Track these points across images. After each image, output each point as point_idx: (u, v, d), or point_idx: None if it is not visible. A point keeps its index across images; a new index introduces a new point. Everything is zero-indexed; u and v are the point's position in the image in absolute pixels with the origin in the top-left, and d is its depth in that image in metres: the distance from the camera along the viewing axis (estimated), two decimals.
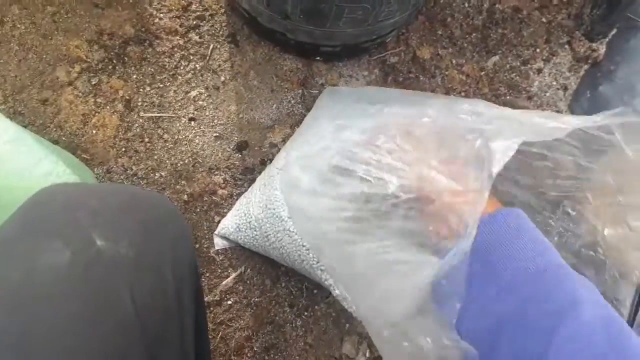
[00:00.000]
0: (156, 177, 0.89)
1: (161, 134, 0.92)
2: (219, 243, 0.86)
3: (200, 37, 0.99)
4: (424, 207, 0.45)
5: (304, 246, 0.71)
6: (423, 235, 0.45)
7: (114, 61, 0.94)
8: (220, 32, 1.00)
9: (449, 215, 0.46)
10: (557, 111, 1.02)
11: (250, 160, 0.92)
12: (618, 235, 0.54)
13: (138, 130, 0.91)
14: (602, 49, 1.06)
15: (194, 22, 0.99)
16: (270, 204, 0.76)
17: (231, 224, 0.84)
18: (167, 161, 0.90)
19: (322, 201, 0.50)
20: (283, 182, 0.61)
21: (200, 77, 0.97)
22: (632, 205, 0.52)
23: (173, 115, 0.93)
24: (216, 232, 0.86)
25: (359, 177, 0.48)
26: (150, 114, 0.93)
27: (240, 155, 0.92)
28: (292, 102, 0.97)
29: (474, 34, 1.06)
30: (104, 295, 0.41)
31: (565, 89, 1.04)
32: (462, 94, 1.01)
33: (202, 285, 0.56)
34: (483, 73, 1.03)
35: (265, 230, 0.80)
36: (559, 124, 0.42)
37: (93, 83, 0.92)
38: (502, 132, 0.40)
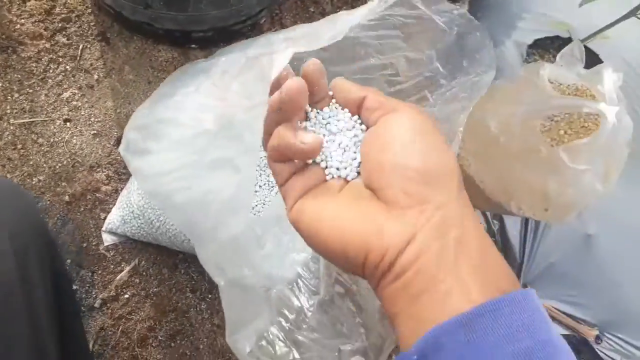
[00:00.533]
0: (34, 182, 0.86)
1: (35, 138, 0.89)
2: (107, 239, 0.84)
3: (68, 39, 0.97)
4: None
5: None
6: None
7: None
8: (89, 32, 0.98)
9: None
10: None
11: None
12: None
13: (9, 137, 0.88)
14: (465, 7, 1.12)
15: (60, 25, 0.97)
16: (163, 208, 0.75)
17: (116, 218, 0.82)
18: (45, 165, 0.88)
19: (156, 158, 0.50)
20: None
21: (72, 78, 0.94)
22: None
23: (46, 118, 0.91)
24: (103, 228, 0.84)
25: (182, 123, 0.49)
26: (22, 120, 0.90)
27: None
28: None
29: (344, 7, 1.09)
30: None
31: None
32: None
33: (63, 264, 0.54)
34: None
35: (148, 217, 0.79)
36: (350, 17, 0.43)
37: None
38: (297, 42, 0.42)
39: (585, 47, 0.86)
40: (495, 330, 0.28)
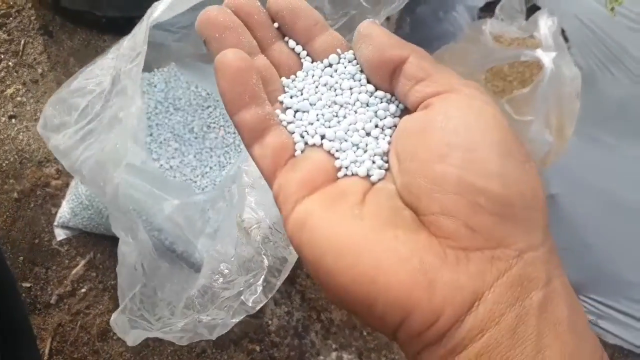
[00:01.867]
0: None
1: None
2: (60, 233, 0.82)
3: (8, 35, 0.94)
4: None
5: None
6: None
7: None
8: (31, 26, 0.96)
9: None
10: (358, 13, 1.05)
11: None
12: None
13: None
14: None
15: None
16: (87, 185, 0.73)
17: (67, 211, 0.80)
18: None
19: (70, 131, 0.49)
20: None
21: (15, 74, 0.92)
22: None
23: None
24: (55, 223, 0.82)
25: (89, 90, 0.48)
26: None
27: None
28: None
29: None
30: None
31: (388, 19, 1.07)
32: None
33: None
34: None
35: (97, 206, 0.77)
36: None
37: None
38: None
39: (535, 5, 0.85)
40: None
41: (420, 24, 1.02)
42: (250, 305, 0.44)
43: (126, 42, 0.44)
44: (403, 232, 0.21)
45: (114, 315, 0.48)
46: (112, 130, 0.44)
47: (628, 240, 0.94)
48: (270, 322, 0.86)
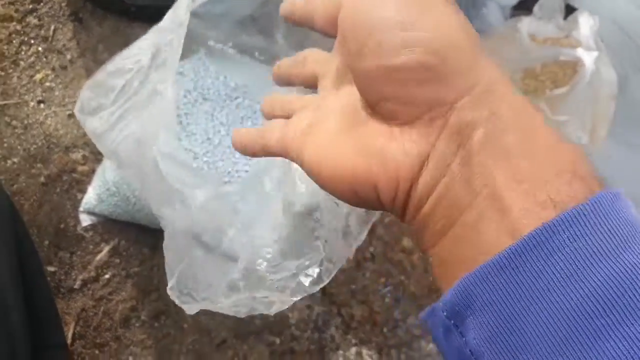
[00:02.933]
0: (8, 165, 0.84)
1: (9, 121, 0.87)
2: (85, 219, 0.82)
3: (39, 20, 0.95)
4: None
5: None
6: None
7: None
8: (61, 12, 0.96)
9: None
10: None
11: None
12: None
13: None
14: None
15: (30, 6, 0.95)
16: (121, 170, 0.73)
17: (92, 197, 0.80)
18: (19, 147, 0.86)
19: (106, 113, 0.49)
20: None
21: (45, 59, 0.92)
22: None
23: (19, 100, 0.89)
24: (80, 208, 0.82)
25: (127, 69, 0.48)
26: None
27: None
28: None
29: None
30: None
31: None
32: None
33: (26, 231, 0.53)
34: None
35: (124, 193, 0.77)
36: None
37: None
38: None
39: (566, 3, 0.84)
40: (544, 272, 0.19)
41: None
42: (307, 286, 0.43)
43: (167, 15, 0.44)
44: (361, 128, 0.26)
45: (170, 284, 0.48)
46: (150, 105, 0.44)
47: None
48: (290, 315, 0.86)
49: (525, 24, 0.71)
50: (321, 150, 0.28)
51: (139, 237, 0.84)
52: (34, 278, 0.55)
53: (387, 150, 0.24)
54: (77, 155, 0.86)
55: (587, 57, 0.62)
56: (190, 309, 0.47)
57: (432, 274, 0.26)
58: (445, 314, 0.22)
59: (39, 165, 0.85)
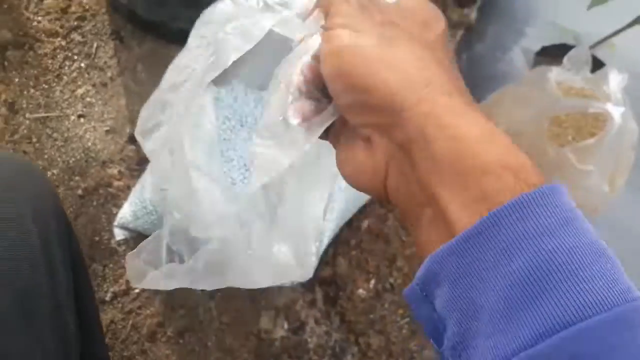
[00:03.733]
0: (48, 176, 0.87)
1: (50, 133, 0.90)
2: (119, 233, 0.85)
3: (83, 37, 0.98)
4: None
5: None
6: None
7: None
8: (104, 31, 1.00)
9: None
10: None
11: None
12: None
13: (25, 131, 0.89)
14: (474, 14, 1.14)
15: (75, 23, 0.99)
16: (162, 185, 0.76)
17: (128, 212, 0.83)
18: (59, 159, 0.89)
19: (164, 129, 0.51)
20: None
21: (87, 75, 0.96)
22: None
23: (61, 114, 0.92)
24: (115, 223, 0.85)
25: (179, 82, 0.50)
26: (37, 115, 0.91)
27: (134, 147, 0.92)
28: None
29: None
30: None
31: None
32: None
33: (78, 246, 0.55)
34: None
35: (161, 213, 0.80)
36: None
37: None
38: None
39: (592, 55, 0.87)
40: (484, 255, 0.24)
41: (477, 62, 1.05)
42: None
43: (217, 7, 0.46)
44: (354, 148, 0.33)
45: None
46: (195, 128, 0.46)
47: None
48: (309, 339, 0.88)
49: (555, 73, 0.75)
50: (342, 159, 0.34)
51: None
52: (84, 294, 0.57)
53: (366, 163, 0.31)
54: (113, 171, 0.89)
55: (616, 112, 0.65)
56: None
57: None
58: (418, 287, 0.27)
59: (77, 178, 0.88)
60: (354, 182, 0.33)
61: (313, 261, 0.77)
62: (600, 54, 0.95)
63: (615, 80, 0.69)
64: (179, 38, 1.00)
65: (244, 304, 0.87)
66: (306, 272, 0.76)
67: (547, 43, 1.03)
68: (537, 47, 1.04)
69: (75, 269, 0.52)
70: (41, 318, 0.44)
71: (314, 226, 0.79)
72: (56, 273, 0.47)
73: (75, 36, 0.98)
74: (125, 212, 0.84)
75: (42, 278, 0.45)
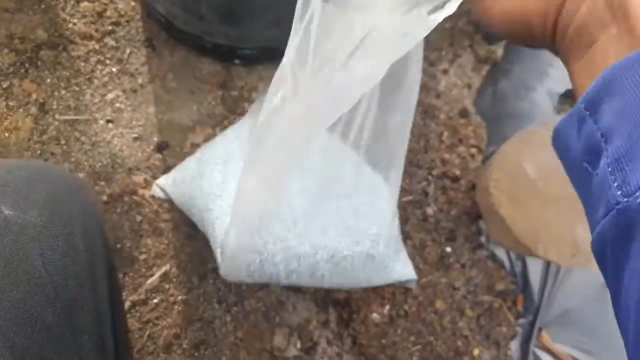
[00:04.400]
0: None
1: (78, 136, 0.90)
2: (157, 191, 0.86)
3: (116, 42, 0.99)
4: None
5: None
6: None
7: (26, 65, 0.92)
8: (137, 37, 1.00)
9: None
10: (463, 107, 1.10)
11: (172, 160, 0.92)
12: None
13: (54, 133, 0.89)
14: (500, 51, 1.16)
15: (110, 28, 0.99)
16: (213, 163, 0.77)
17: (170, 177, 0.84)
18: (85, 163, 0.89)
19: None
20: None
21: (118, 80, 0.96)
22: None
23: (90, 117, 0.92)
24: (157, 181, 0.86)
25: None
26: (66, 117, 0.91)
27: (160, 156, 0.92)
28: (213, 103, 0.99)
29: None
30: (14, 261, 0.41)
31: (469, 87, 1.12)
32: None
33: (115, 262, 0.56)
34: None
35: (196, 188, 0.79)
36: None
37: (4, 86, 0.89)
38: None
39: None
40: None
41: (502, 98, 1.06)
42: None
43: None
44: None
45: None
46: None
47: None
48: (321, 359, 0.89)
49: None
50: None
51: (189, 265, 0.87)
52: (118, 310, 0.57)
53: None
54: (139, 178, 0.90)
55: None
56: None
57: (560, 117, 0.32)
58: (583, 105, 0.26)
59: (102, 183, 0.88)
60: (514, 21, 0.33)
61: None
62: None
63: None
64: (213, 52, 1.02)
65: (259, 320, 0.88)
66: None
67: (571, 87, 1.06)
68: (561, 90, 1.06)
69: (111, 284, 0.53)
70: (84, 332, 0.45)
71: None
72: (99, 290, 0.48)
73: (109, 41, 0.99)
74: (170, 175, 0.85)
75: (87, 294, 0.46)
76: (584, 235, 0.77)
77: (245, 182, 0.60)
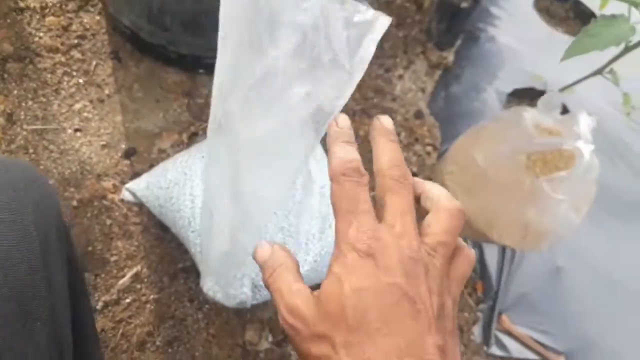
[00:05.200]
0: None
1: (46, 145, 0.92)
2: (126, 195, 0.89)
3: (82, 55, 1.02)
4: None
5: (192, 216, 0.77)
6: None
7: None
8: (103, 50, 1.04)
9: None
10: (418, 109, 1.16)
11: (139, 166, 0.95)
12: None
13: (22, 142, 0.91)
14: (452, 57, 1.23)
15: (76, 41, 1.02)
16: (188, 170, 0.80)
17: (143, 182, 0.87)
18: (54, 170, 0.91)
19: None
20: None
21: (85, 91, 0.99)
22: None
23: (58, 127, 0.94)
24: (127, 186, 0.89)
25: None
26: (34, 127, 0.93)
27: (128, 162, 0.95)
28: (179, 110, 1.02)
29: None
30: None
31: (423, 90, 1.19)
32: None
33: (75, 253, 0.56)
34: None
35: (170, 193, 0.82)
36: None
37: None
38: None
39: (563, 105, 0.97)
40: None
41: (454, 99, 1.13)
42: None
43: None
44: None
45: None
46: None
47: (621, 315, 1.03)
48: (292, 352, 0.91)
49: (530, 113, 0.83)
50: None
51: (160, 265, 0.89)
52: (80, 299, 0.56)
53: None
54: (108, 184, 0.92)
55: (586, 149, 0.74)
56: None
57: None
58: None
59: (72, 189, 0.90)
60: None
61: None
62: (563, 97, 1.05)
63: (585, 122, 0.77)
64: (177, 62, 1.06)
65: (230, 316, 0.90)
66: None
67: (517, 86, 1.13)
68: (508, 89, 1.14)
69: (71, 275, 0.52)
70: (36, 320, 0.45)
71: None
72: (53, 277, 0.48)
73: (75, 53, 1.01)
74: (141, 181, 0.88)
75: (39, 281, 0.45)
76: (534, 216, 0.83)
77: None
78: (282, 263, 0.37)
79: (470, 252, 0.37)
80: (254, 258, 0.39)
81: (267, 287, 0.37)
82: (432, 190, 0.37)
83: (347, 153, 0.37)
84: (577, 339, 1.01)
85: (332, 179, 0.36)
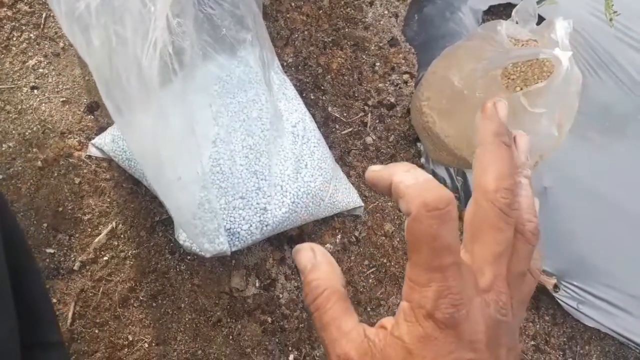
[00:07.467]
0: (4, 149, 0.85)
1: (2, 106, 0.88)
2: (92, 151, 0.87)
3: (30, 7, 0.96)
4: None
5: None
6: None
7: None
8: None
9: None
10: (393, 37, 1.11)
11: (104, 120, 0.91)
12: None
13: None
14: None
15: None
16: None
17: (108, 136, 0.84)
18: (14, 132, 0.87)
19: None
20: None
21: (37, 46, 0.93)
22: None
23: (12, 86, 0.90)
24: (92, 141, 0.86)
25: None
26: None
27: (92, 117, 0.91)
28: None
29: None
30: None
31: (397, 16, 1.13)
32: (305, 32, 1.07)
33: (15, 221, 0.53)
34: (321, 11, 1.09)
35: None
36: None
37: None
38: None
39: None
40: None
41: (428, 22, 1.08)
42: None
43: None
44: None
45: None
46: None
47: (609, 232, 1.02)
48: (281, 295, 0.90)
49: (504, 27, 0.79)
50: None
51: (135, 220, 0.87)
52: (25, 275, 0.53)
53: None
54: (72, 141, 0.88)
55: (564, 56, 0.70)
56: None
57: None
58: None
59: (34, 150, 0.86)
60: None
61: None
62: (542, 11, 1.00)
63: (561, 27, 0.73)
64: None
65: (214, 265, 0.88)
66: None
67: (494, 3, 1.08)
68: (484, 7, 1.08)
69: (8, 248, 0.47)
70: None
71: None
72: None
73: (22, 6, 0.95)
74: (106, 135, 0.85)
75: None
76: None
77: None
78: (329, 286, 0.29)
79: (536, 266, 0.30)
80: (294, 257, 0.32)
81: (309, 312, 0.30)
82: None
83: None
84: (568, 259, 1.00)
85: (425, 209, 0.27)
